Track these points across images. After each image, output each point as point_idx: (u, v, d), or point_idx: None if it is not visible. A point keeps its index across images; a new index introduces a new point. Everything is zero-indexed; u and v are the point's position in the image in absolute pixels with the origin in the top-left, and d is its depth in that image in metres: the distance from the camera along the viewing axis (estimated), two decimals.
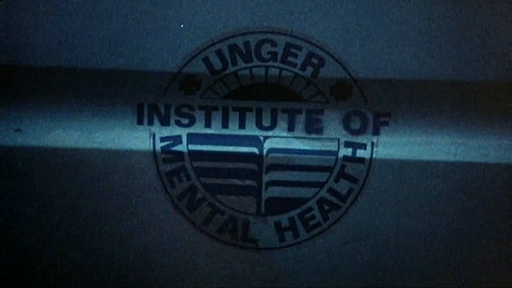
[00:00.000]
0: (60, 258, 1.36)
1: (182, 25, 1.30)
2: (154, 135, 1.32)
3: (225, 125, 1.33)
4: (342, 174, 1.32)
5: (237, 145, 1.33)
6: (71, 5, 1.31)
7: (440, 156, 1.31)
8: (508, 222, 1.31)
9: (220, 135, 1.33)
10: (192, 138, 1.33)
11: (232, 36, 1.30)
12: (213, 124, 1.33)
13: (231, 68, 1.31)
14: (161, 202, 1.33)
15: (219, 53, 1.30)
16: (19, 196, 1.34)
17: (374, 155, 1.31)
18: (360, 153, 1.32)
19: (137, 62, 1.31)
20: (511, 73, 1.30)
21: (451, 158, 1.31)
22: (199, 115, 1.33)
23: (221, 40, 1.30)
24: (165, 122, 1.33)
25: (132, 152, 1.32)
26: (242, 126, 1.33)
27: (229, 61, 1.31)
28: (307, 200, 1.32)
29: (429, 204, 1.32)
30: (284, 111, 1.32)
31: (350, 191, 1.32)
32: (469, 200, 1.31)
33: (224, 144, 1.33)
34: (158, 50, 1.31)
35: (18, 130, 1.33)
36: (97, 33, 1.31)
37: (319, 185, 1.32)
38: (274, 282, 1.35)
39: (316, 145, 1.32)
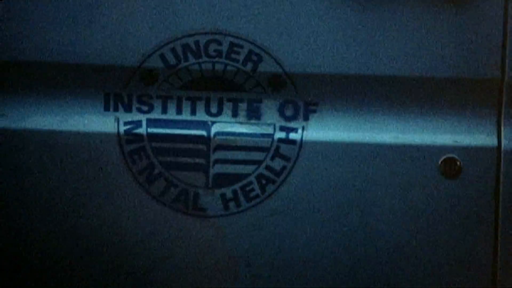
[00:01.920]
0: (34, 231, 1.58)
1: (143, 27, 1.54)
2: (118, 120, 1.56)
3: (179, 112, 1.56)
4: (277, 154, 1.56)
5: (189, 129, 1.56)
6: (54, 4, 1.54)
7: (360, 139, 1.55)
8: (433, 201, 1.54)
9: (174, 120, 1.56)
10: (150, 122, 1.56)
11: (184, 36, 1.54)
12: (168, 111, 1.56)
13: (183, 64, 1.54)
14: (124, 177, 1.56)
15: (173, 50, 1.54)
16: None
17: (304, 138, 1.55)
18: (292, 136, 1.55)
19: (104, 57, 1.54)
20: (422, 69, 1.54)
21: (371, 140, 1.55)
22: (157, 103, 1.56)
23: (175, 40, 1.54)
24: (128, 109, 1.56)
25: (100, 134, 1.55)
26: (193, 112, 1.56)
27: (182, 57, 1.54)
28: (247, 175, 1.56)
29: (352, 181, 1.55)
30: (228, 100, 1.56)
31: (283, 168, 1.56)
32: (385, 177, 1.55)
33: (178, 128, 1.56)
34: (122, 47, 1.54)
35: (2, 115, 1.56)
36: (71, 31, 1.54)
37: (258, 162, 1.56)
38: (220, 245, 1.59)
39: (256, 129, 1.56)
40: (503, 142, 1.51)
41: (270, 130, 1.55)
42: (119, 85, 1.55)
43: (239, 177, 1.56)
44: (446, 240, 1.55)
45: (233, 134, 1.56)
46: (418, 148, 1.52)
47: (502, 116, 1.51)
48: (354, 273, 1.57)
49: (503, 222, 1.53)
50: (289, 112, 1.55)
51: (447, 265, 1.56)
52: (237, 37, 1.53)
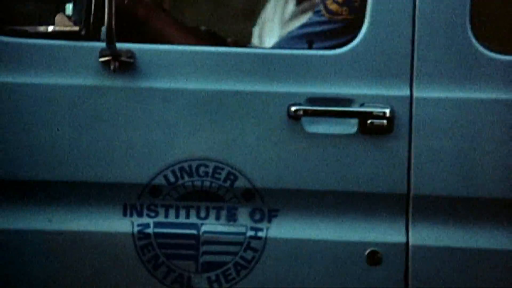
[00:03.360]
0: None
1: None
2: (133, 223, 2.13)
3: (177, 216, 2.14)
4: (248, 247, 2.13)
5: (184, 229, 2.13)
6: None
7: (310, 237, 2.12)
8: None
9: (173, 223, 2.14)
10: (156, 224, 2.14)
11: (181, 162, 2.12)
12: (169, 216, 2.14)
13: (180, 181, 2.13)
14: (136, 265, 2.13)
15: (173, 172, 2.12)
16: None
17: (268, 235, 2.12)
18: (259, 234, 2.13)
19: (121, 176, 2.12)
20: (350, 185, 2.13)
21: (316, 238, 2.12)
22: (161, 210, 2.14)
23: (174, 164, 2.12)
24: (140, 215, 2.14)
25: (119, 234, 2.12)
26: (187, 217, 2.14)
27: (179, 177, 2.12)
28: (227, 263, 2.13)
29: (302, 271, 2.11)
30: (213, 207, 2.14)
31: (253, 257, 2.12)
32: (323, 268, 2.11)
33: (176, 228, 2.13)
34: (136, 168, 2.12)
35: (50, 220, 2.14)
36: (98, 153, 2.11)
37: (234, 254, 2.13)
38: None
39: (233, 229, 2.13)
40: (410, 239, 2.09)
41: (243, 230, 2.13)
42: (134, 197, 2.13)
43: (220, 264, 2.13)
44: None
45: (216, 232, 2.13)
46: (348, 243, 2.11)
47: (410, 221, 2.10)
48: None
49: None
50: (257, 217, 2.13)
51: None
52: (219, 162, 2.12)
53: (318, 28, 2.30)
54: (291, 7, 2.93)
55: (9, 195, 2.11)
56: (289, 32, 2.42)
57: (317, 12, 2.33)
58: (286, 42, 2.37)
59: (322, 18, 2.30)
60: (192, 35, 2.46)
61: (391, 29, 2.10)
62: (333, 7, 2.28)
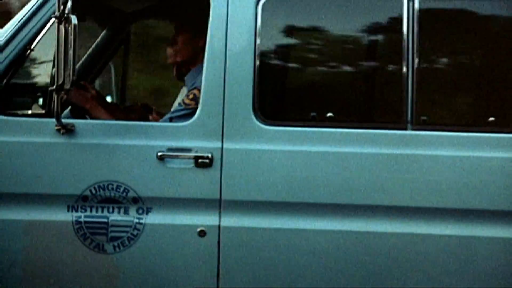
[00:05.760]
0: None
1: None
2: (72, 215, 3.94)
3: (96, 212, 3.94)
4: (135, 228, 3.92)
5: (100, 218, 3.93)
6: None
7: (172, 222, 3.90)
8: None
9: (94, 215, 3.94)
10: (85, 216, 3.94)
11: (98, 182, 3.93)
12: (92, 211, 3.95)
13: (98, 193, 3.94)
14: (74, 238, 3.91)
15: (94, 188, 3.93)
16: None
17: (146, 222, 3.91)
18: (141, 221, 3.92)
19: (66, 190, 3.93)
20: None
21: (174, 222, 3.90)
22: (88, 209, 3.95)
23: (94, 184, 3.93)
24: (76, 211, 3.95)
25: (65, 222, 3.93)
26: (102, 212, 3.94)
27: (97, 190, 3.93)
28: (123, 237, 3.91)
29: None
30: (116, 207, 3.93)
31: (138, 234, 3.91)
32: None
33: (96, 218, 3.94)
34: (73, 186, 3.94)
35: None
36: None
37: (127, 232, 3.91)
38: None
39: (127, 218, 3.92)
40: (221, 223, 3.88)
41: (132, 219, 3.93)
42: (73, 201, 3.93)
43: (119, 237, 3.92)
44: None
45: (117, 220, 3.93)
46: (186, 225, 3.92)
47: (221, 212, 3.90)
48: None
49: None
50: (140, 211, 3.93)
51: None
52: (120, 182, 3.93)
53: (179, 113, 4.15)
54: (179, 98, 4.80)
55: None
56: (168, 113, 4.29)
57: (180, 104, 4.19)
58: (165, 119, 4.22)
59: (182, 107, 4.15)
60: (114, 113, 4.33)
61: (209, 111, 3.93)
62: (187, 101, 4.14)
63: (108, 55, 5.25)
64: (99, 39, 5.11)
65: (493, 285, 3.82)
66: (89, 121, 4.08)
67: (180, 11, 4.54)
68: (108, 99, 5.51)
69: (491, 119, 3.83)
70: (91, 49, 5.09)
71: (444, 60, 4.06)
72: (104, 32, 5.14)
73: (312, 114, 3.94)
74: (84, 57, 5.05)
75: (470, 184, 3.80)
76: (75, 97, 4.18)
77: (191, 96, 4.19)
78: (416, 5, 3.88)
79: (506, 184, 3.79)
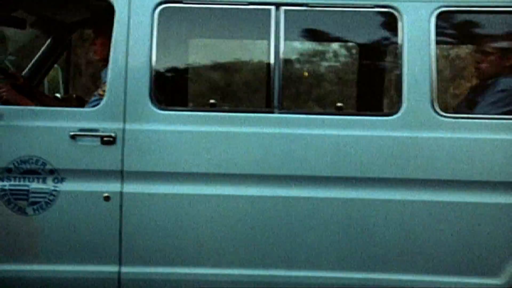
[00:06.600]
0: None
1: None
2: None
3: (19, 181, 4.75)
4: (51, 194, 4.74)
5: (22, 187, 4.74)
6: None
7: (81, 189, 4.73)
8: None
9: (18, 184, 4.74)
10: (10, 185, 4.74)
11: (20, 157, 4.74)
12: (16, 181, 4.75)
13: (20, 165, 4.75)
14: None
15: (17, 161, 4.74)
16: None
17: (60, 189, 4.73)
18: (57, 188, 4.74)
19: None
20: None
21: (84, 189, 4.73)
22: (12, 179, 4.75)
23: (17, 158, 4.74)
24: (2, 181, 4.74)
25: None
26: (24, 181, 4.75)
27: (20, 163, 4.74)
28: (41, 201, 4.73)
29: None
30: (36, 177, 4.75)
31: (53, 199, 4.73)
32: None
33: (19, 186, 4.74)
34: None
35: None
36: None
37: (45, 197, 4.73)
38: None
39: (44, 186, 4.74)
40: (123, 189, 4.74)
41: (50, 187, 4.76)
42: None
43: (39, 202, 4.74)
44: None
45: (37, 188, 4.75)
46: (94, 191, 4.76)
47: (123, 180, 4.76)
48: None
49: None
50: (56, 181, 4.76)
51: None
52: (38, 156, 4.75)
53: (94, 102, 5.01)
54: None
55: None
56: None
57: (95, 95, 5.06)
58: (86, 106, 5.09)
59: (97, 97, 5.02)
60: (45, 101, 5.19)
61: (113, 99, 4.79)
62: (101, 92, 5.03)
63: (53, 60, 6.28)
64: (45, 46, 6.13)
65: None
66: (15, 107, 4.90)
67: (99, 19, 5.41)
68: (58, 95, 6.52)
69: (339, 104, 4.80)
70: (38, 55, 6.13)
71: (305, 59, 5.01)
72: (49, 40, 6.17)
73: (198, 100, 4.85)
74: (32, 61, 6.08)
75: (319, 155, 4.75)
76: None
77: (104, 88, 5.04)
78: (282, 14, 4.82)
79: (333, 154, 4.73)
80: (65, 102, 5.90)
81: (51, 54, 6.25)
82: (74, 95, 6.11)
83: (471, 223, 4.64)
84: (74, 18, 5.99)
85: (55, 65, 6.53)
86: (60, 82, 6.71)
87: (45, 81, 6.43)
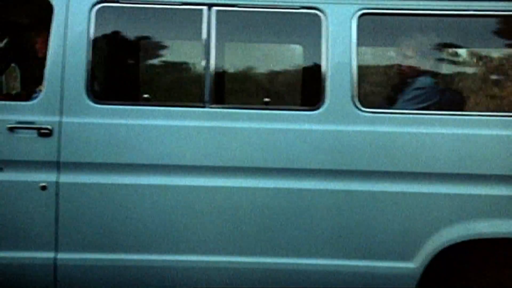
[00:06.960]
0: None
1: None
2: None
3: None
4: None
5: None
6: None
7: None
8: None
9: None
10: None
11: None
12: None
13: None
14: None
15: None
16: None
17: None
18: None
19: None
20: None
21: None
22: None
23: None
24: None
25: None
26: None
27: None
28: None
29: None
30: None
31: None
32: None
33: None
34: None
35: None
36: None
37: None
38: None
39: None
40: (60, 179, 4.94)
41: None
42: None
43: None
44: None
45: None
46: (28, 181, 4.95)
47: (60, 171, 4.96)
48: None
49: None
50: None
51: None
52: None
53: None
54: None
55: None
56: None
57: (36, 91, 5.25)
58: None
59: (38, 93, 5.21)
60: None
61: (51, 93, 4.99)
62: (42, 88, 5.19)
63: (9, 59, 6.47)
64: (2, 45, 6.32)
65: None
66: None
67: (39, 19, 5.62)
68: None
69: (266, 99, 5.07)
70: None
71: (235, 58, 5.28)
72: (5, 39, 6.33)
73: (133, 95, 5.08)
74: None
75: (248, 147, 4.99)
76: None
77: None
78: (214, 14, 5.07)
79: (261, 146, 4.99)
80: (9, 97, 6.07)
81: (7, 53, 6.42)
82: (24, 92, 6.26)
83: (386, 211, 4.94)
84: (18, 18, 6.17)
85: (12, 64, 6.75)
86: (18, 79, 7.00)
87: (3, 78, 6.64)
